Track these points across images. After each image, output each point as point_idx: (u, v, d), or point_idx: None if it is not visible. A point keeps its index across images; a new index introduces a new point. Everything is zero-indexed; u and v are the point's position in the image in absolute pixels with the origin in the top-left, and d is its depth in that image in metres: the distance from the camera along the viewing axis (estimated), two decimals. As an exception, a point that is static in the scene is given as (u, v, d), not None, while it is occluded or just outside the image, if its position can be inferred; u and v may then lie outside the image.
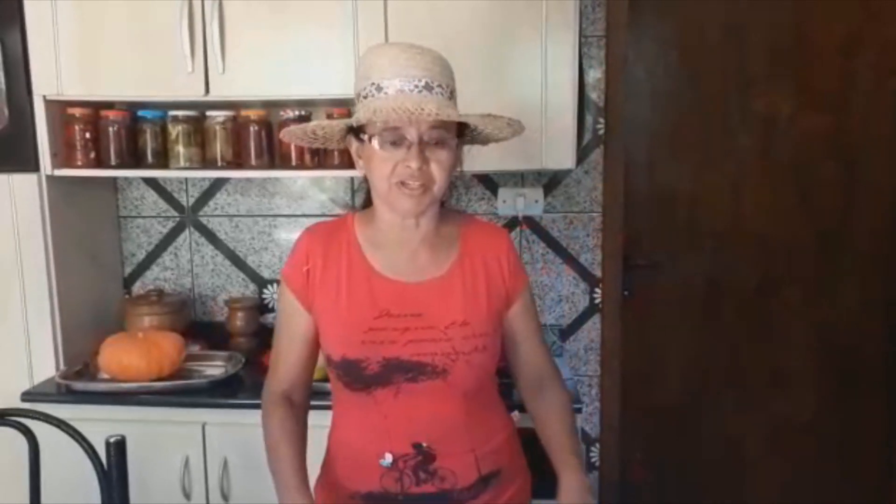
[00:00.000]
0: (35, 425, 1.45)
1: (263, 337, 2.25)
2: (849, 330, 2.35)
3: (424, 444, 1.18)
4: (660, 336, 2.40)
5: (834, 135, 2.27)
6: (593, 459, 2.36)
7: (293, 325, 1.24)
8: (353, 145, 1.22)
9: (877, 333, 2.35)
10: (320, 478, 1.30)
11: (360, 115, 1.12)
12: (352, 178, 2.29)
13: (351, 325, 1.18)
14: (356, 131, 1.19)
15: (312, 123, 1.25)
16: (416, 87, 1.11)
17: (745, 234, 2.34)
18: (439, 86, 1.13)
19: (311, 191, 2.32)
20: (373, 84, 1.13)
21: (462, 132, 1.21)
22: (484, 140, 1.29)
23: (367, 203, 1.29)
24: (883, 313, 2.33)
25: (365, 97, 1.15)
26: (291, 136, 1.29)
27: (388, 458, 1.18)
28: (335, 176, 2.22)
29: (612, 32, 2.19)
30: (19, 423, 1.43)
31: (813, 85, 2.25)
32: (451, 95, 1.16)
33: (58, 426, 1.39)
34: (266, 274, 2.37)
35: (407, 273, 1.21)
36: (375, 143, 1.13)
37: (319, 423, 1.31)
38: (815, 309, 2.35)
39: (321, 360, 1.28)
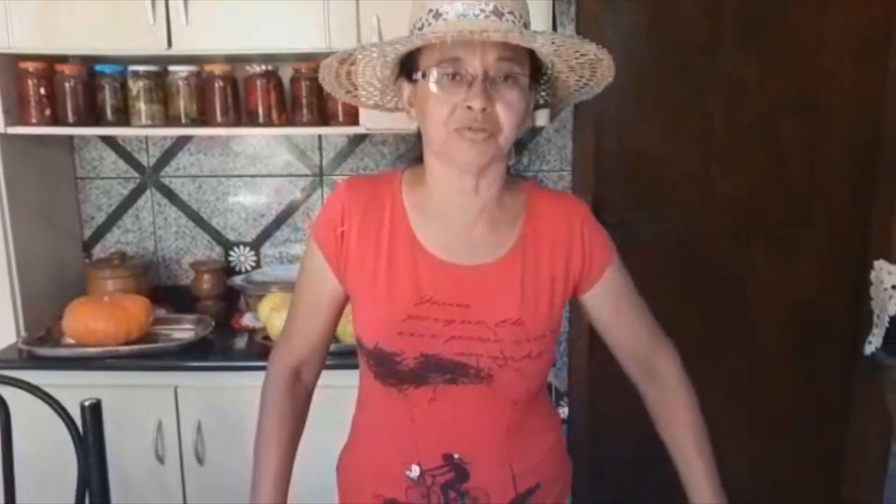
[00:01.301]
0: (2, 391, 1.40)
1: (231, 300, 2.22)
2: (812, 286, 2.41)
3: (456, 456, 1.03)
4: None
5: (799, 96, 2.30)
6: (563, 416, 2.41)
7: (318, 290, 1.07)
8: (405, 91, 1.00)
9: (840, 289, 2.42)
10: (341, 466, 1.19)
11: (412, 42, 0.92)
12: (319, 137, 2.24)
13: (388, 310, 1.00)
14: (408, 72, 0.98)
15: (348, 53, 1.00)
16: (483, 11, 0.90)
17: (713, 194, 2.37)
18: (511, 13, 0.92)
19: (277, 150, 2.26)
20: (430, 11, 0.93)
21: (536, 76, 0.98)
22: (559, 98, 1.08)
23: (418, 159, 1.06)
24: (847, 270, 2.40)
25: (420, 28, 0.94)
26: (330, 86, 1.07)
27: (416, 470, 1.04)
28: (304, 133, 2.17)
29: (583, -10, 2.18)
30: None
31: (780, 46, 2.27)
32: (526, 27, 0.95)
33: (30, 391, 1.34)
34: (232, 236, 2.32)
35: (458, 252, 1.01)
36: (431, 78, 0.92)
37: (344, 384, 1.19)
38: (780, 267, 2.41)
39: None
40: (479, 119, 0.91)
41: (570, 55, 0.96)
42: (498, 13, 0.91)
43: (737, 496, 2.54)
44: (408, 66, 0.98)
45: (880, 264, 2.20)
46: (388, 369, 1.02)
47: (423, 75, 0.94)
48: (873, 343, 2.15)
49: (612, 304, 1.09)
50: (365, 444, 1.13)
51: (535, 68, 0.97)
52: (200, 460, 1.84)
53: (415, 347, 0.99)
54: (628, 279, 1.11)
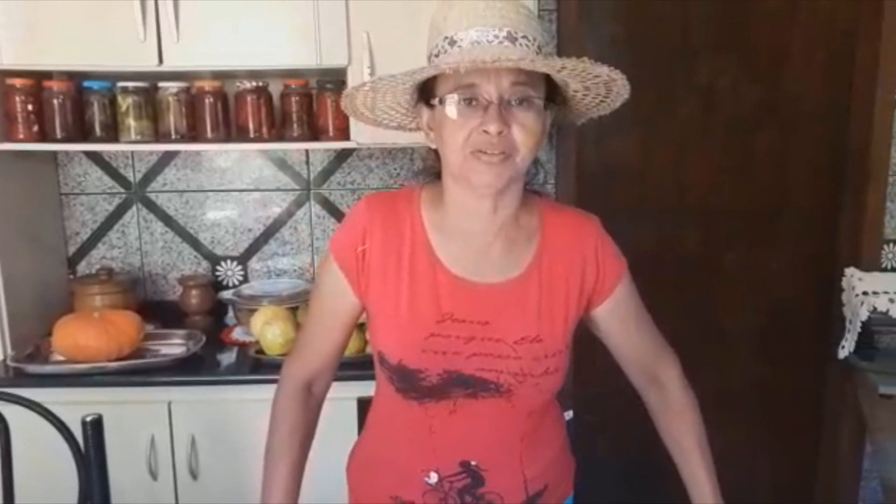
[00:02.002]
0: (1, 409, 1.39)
1: (219, 315, 2.22)
2: (784, 291, 2.49)
3: (473, 463, 1.06)
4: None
5: (769, 104, 2.38)
6: (568, 417, 2.43)
7: (335, 306, 1.09)
8: (424, 115, 1.02)
9: (809, 293, 2.50)
10: (352, 465, 1.22)
11: (426, 72, 0.95)
12: (306, 151, 2.26)
13: (411, 328, 1.02)
14: (426, 97, 1.00)
15: (368, 84, 1.01)
16: (496, 37, 0.92)
17: (688, 202, 2.44)
18: (524, 37, 0.93)
19: (264, 164, 2.27)
20: (445, 38, 0.95)
21: (552, 96, 1.00)
22: (578, 112, 1.10)
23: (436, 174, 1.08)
24: (816, 274, 2.47)
25: (436, 55, 0.96)
26: (353, 111, 1.09)
27: (434, 477, 1.07)
28: (294, 148, 2.19)
29: (563, 3, 2.23)
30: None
31: (750, 56, 2.35)
32: (540, 50, 0.96)
33: (30, 408, 1.34)
34: (219, 251, 2.32)
35: (477, 271, 1.03)
36: (448, 104, 0.94)
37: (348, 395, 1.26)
38: (752, 272, 2.48)
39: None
40: (495, 142, 0.93)
41: (584, 76, 0.97)
42: (511, 38, 0.92)
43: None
44: (426, 92, 1.00)
45: (851, 271, 2.28)
46: (410, 385, 1.04)
47: (440, 101, 0.96)
48: (846, 347, 2.22)
49: (621, 317, 1.13)
50: (382, 446, 1.15)
51: (551, 88, 0.99)
52: (194, 475, 1.83)
53: (437, 364, 1.01)
54: (635, 292, 1.15)
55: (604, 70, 0.96)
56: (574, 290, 1.07)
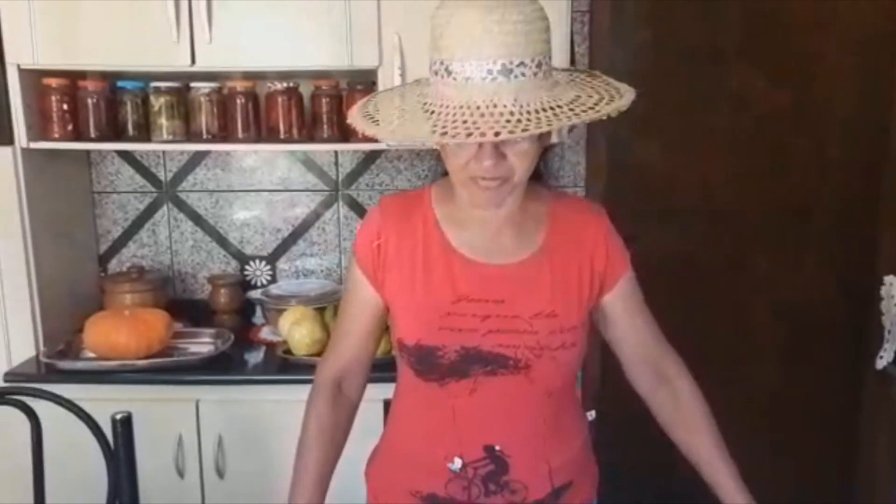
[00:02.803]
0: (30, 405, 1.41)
1: (248, 314, 2.23)
2: (812, 303, 2.43)
3: (497, 449, 1.07)
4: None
5: (802, 112, 2.34)
6: (591, 417, 2.41)
7: (359, 301, 1.14)
8: None
9: (839, 306, 2.44)
10: (372, 465, 1.23)
11: (417, 134, 0.95)
12: (335, 153, 2.26)
13: (428, 308, 1.06)
14: None
15: (385, 131, 0.99)
16: (490, 72, 0.89)
17: (715, 210, 2.40)
18: (521, 64, 0.90)
19: (294, 165, 2.28)
20: (441, 63, 0.93)
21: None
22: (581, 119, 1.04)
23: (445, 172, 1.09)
24: (850, 281, 2.42)
25: (436, 73, 0.95)
26: (357, 123, 1.04)
27: (458, 463, 1.08)
28: (324, 150, 2.20)
29: (596, 5, 2.21)
30: (20, 401, 1.38)
31: (782, 60, 2.31)
32: (539, 67, 0.92)
33: (61, 405, 1.35)
34: (248, 250, 2.33)
35: (489, 254, 1.08)
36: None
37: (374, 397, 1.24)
38: (780, 283, 2.43)
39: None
40: (491, 172, 0.96)
41: (586, 86, 0.98)
42: (506, 71, 0.89)
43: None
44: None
45: (890, 279, 2.22)
46: (429, 365, 1.06)
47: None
48: (885, 358, 2.17)
49: (629, 310, 1.15)
50: (403, 440, 1.16)
51: None
52: (221, 474, 1.84)
53: (455, 341, 1.04)
54: (640, 288, 1.18)
55: (601, 93, 0.97)
56: (586, 272, 1.10)
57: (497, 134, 0.87)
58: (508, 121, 0.88)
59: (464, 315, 1.05)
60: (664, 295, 2.40)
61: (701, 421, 1.14)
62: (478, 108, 0.89)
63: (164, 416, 1.82)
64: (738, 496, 1.09)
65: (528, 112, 0.89)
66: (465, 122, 0.88)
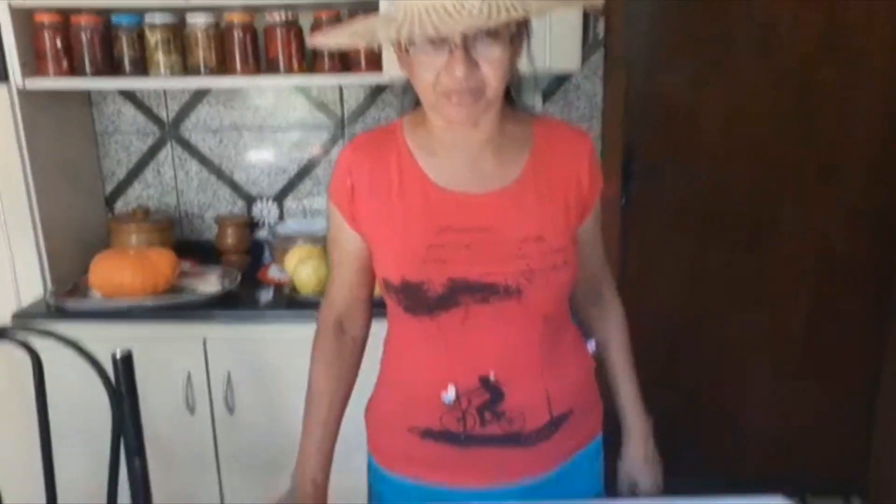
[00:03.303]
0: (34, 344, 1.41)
1: (255, 254, 2.22)
2: (840, 237, 2.36)
3: (492, 377, 1.04)
4: (657, 245, 2.40)
5: (833, 43, 2.21)
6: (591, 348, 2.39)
7: (341, 243, 1.11)
8: (395, 54, 0.99)
9: (867, 240, 2.36)
10: (370, 408, 1.20)
11: (380, 33, 0.91)
12: (340, 89, 2.21)
13: (409, 242, 1.02)
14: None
15: (344, 34, 0.95)
16: None
17: (740, 142, 2.31)
18: None
19: (298, 102, 2.22)
20: None
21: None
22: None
23: (417, 102, 1.05)
24: (875, 221, 2.34)
25: None
26: (323, 44, 1.01)
27: (452, 392, 1.05)
28: (325, 83, 2.14)
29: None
30: (21, 341, 1.37)
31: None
32: None
33: (61, 342, 1.34)
34: (254, 190, 2.30)
35: (469, 183, 1.03)
36: (413, 48, 0.93)
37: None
38: (807, 216, 2.35)
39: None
40: (463, 85, 0.91)
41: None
42: None
43: (763, 443, 2.54)
44: None
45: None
46: (417, 300, 1.03)
47: (405, 47, 0.94)
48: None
49: (593, 232, 1.15)
50: (396, 378, 1.14)
51: None
52: (231, 410, 1.85)
53: (441, 273, 1.01)
54: (600, 213, 1.17)
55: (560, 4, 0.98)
56: (572, 195, 1.07)
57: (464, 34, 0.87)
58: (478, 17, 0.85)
59: (448, 245, 1.01)
60: (682, 229, 2.38)
61: (619, 341, 1.22)
62: (444, 8, 0.85)
63: (172, 354, 1.83)
64: (637, 415, 1.22)
65: (498, 9, 0.85)
66: (432, 22, 0.85)
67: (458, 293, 1.01)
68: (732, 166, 2.33)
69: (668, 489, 1.22)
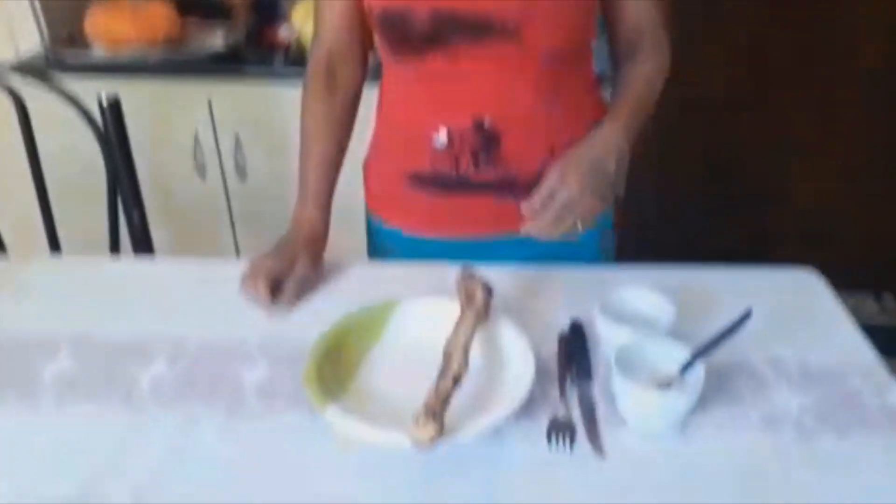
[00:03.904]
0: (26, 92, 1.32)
1: (262, 12, 2.04)
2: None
3: (487, 122, 0.93)
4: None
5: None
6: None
7: None
8: None
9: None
10: (366, 161, 1.11)
11: None
12: None
13: None
14: None
15: None
16: None
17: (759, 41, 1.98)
18: None
19: None
20: None
21: None
22: None
23: None
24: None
25: None
26: None
27: (443, 135, 0.95)
28: None
29: None
30: (5, 85, 1.28)
31: None
32: None
33: (51, 90, 1.26)
34: (263, -62, 2.07)
35: None
36: None
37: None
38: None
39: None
40: None
41: None
42: None
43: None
44: None
45: None
46: (401, 33, 0.91)
47: None
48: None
49: None
50: (389, 124, 1.05)
51: None
52: (242, 176, 1.79)
53: (425, 2, 0.87)
54: None
55: None
56: None
57: None
58: None
59: None
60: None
61: (639, 69, 0.96)
62: None
63: (176, 113, 1.75)
64: (619, 126, 0.90)
65: None
66: None
67: (447, 30, 0.88)
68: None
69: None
